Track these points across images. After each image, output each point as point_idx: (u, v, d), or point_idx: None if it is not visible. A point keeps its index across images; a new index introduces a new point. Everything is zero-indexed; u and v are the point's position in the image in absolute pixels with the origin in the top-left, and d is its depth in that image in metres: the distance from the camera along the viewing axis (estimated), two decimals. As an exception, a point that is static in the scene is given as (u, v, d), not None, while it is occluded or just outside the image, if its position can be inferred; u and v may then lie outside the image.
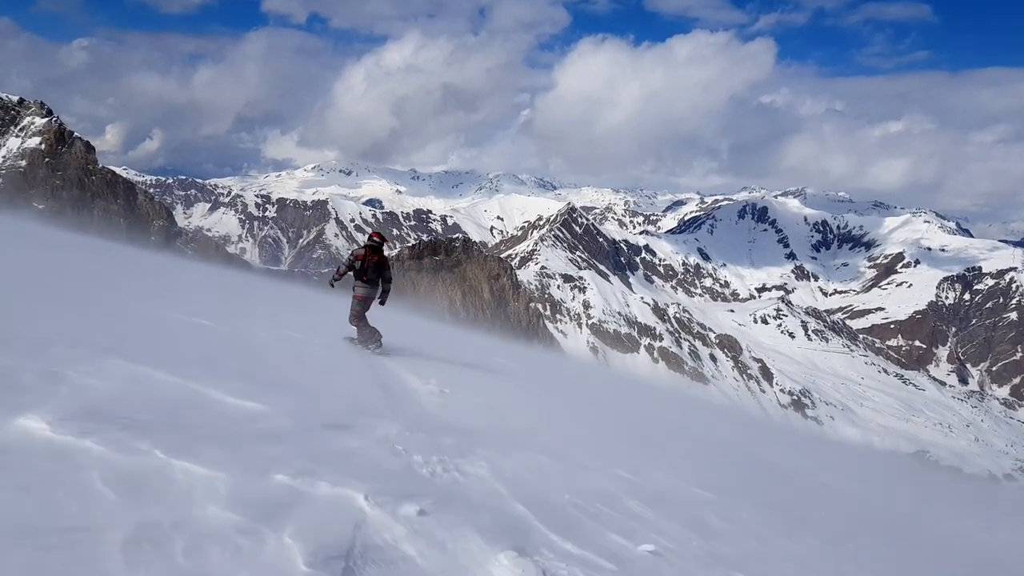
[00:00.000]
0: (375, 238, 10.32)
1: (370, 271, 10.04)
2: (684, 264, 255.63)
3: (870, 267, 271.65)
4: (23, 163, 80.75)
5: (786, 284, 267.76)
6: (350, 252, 10.38)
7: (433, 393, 7.51)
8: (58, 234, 28.58)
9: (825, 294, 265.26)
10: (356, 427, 4.79)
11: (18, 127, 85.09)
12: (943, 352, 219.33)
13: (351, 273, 10.30)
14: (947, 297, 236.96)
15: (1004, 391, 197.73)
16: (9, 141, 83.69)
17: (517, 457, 5.32)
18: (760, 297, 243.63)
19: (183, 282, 17.67)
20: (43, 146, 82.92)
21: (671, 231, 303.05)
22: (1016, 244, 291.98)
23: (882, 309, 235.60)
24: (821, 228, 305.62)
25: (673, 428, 13.32)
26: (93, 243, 27.65)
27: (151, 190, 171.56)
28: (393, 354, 10.03)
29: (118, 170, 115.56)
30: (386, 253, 10.45)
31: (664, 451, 9.22)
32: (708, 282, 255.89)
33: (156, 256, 33.06)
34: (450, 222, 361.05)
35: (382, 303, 10.37)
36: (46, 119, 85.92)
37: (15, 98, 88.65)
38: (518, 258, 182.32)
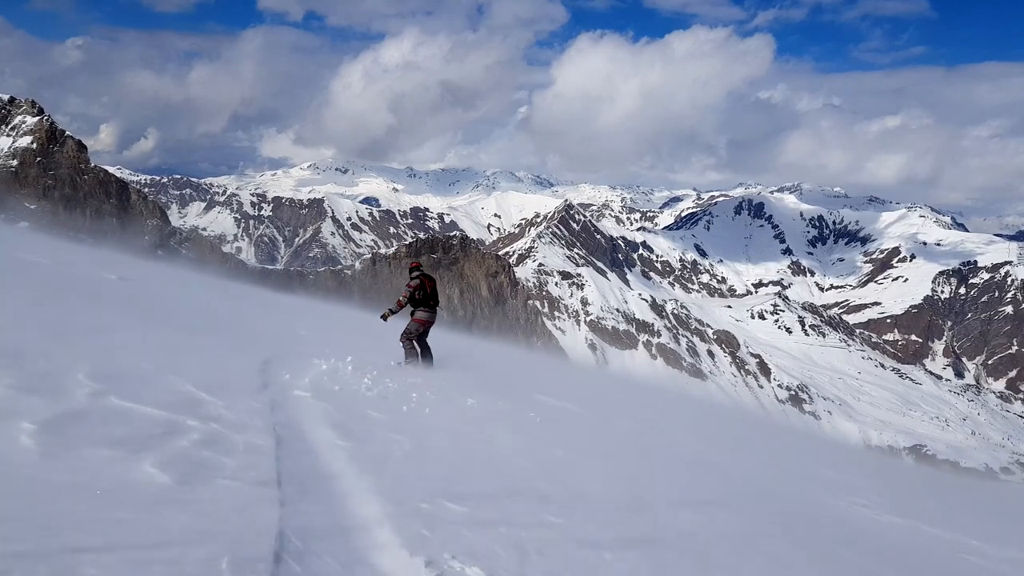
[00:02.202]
0: (419, 267, 10.50)
1: (432, 296, 10.21)
2: (681, 260, 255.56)
3: (866, 262, 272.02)
4: (14, 163, 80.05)
5: (783, 279, 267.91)
6: (406, 287, 10.21)
7: None
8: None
9: (822, 289, 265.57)
10: None
11: (9, 126, 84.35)
12: (939, 346, 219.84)
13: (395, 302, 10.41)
14: (943, 291, 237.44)
15: (1000, 384, 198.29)
16: None
17: None
18: (757, 293, 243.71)
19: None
20: (34, 145, 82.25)
21: (668, 227, 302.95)
22: (1011, 238, 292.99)
23: (878, 304, 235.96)
24: (817, 223, 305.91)
25: None
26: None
27: (146, 189, 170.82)
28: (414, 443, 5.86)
29: (112, 169, 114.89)
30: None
31: None
32: (705, 278, 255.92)
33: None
34: (447, 220, 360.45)
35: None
36: (37, 118, 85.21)
37: (6, 97, 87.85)
38: (516, 255, 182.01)
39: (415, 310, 10.11)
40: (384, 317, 10.31)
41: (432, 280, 10.31)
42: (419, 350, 10.14)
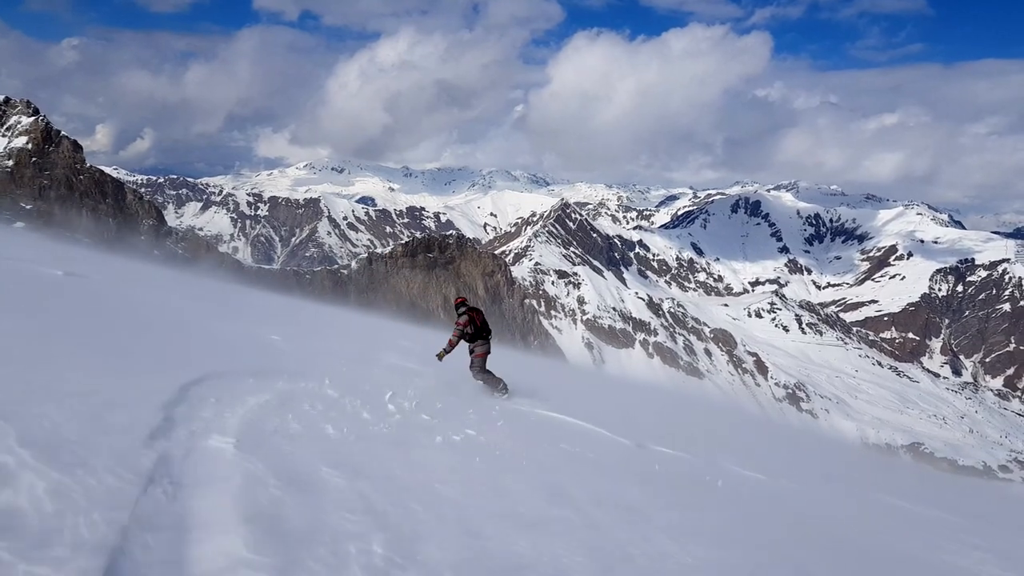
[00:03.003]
0: (464, 302, 10.73)
1: (484, 328, 10.55)
2: (678, 259, 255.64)
3: (863, 260, 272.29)
4: (9, 163, 79.74)
5: (779, 278, 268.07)
6: (455, 324, 10.53)
7: None
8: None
9: (819, 287, 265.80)
10: None
11: (4, 126, 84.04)
12: (936, 344, 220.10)
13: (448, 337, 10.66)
14: (940, 289, 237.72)
15: (998, 382, 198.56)
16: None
17: None
18: (754, 291, 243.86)
19: None
20: (30, 145, 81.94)
21: (664, 226, 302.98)
22: (1009, 235, 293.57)
23: (875, 302, 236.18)
24: (814, 221, 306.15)
25: None
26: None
27: (142, 190, 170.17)
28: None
29: (108, 170, 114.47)
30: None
31: None
32: (702, 276, 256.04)
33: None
34: (443, 219, 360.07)
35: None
36: (33, 118, 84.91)
37: (1, 97, 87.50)
38: (512, 254, 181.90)
39: (473, 346, 10.46)
40: (440, 356, 10.44)
41: (480, 312, 10.74)
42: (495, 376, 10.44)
